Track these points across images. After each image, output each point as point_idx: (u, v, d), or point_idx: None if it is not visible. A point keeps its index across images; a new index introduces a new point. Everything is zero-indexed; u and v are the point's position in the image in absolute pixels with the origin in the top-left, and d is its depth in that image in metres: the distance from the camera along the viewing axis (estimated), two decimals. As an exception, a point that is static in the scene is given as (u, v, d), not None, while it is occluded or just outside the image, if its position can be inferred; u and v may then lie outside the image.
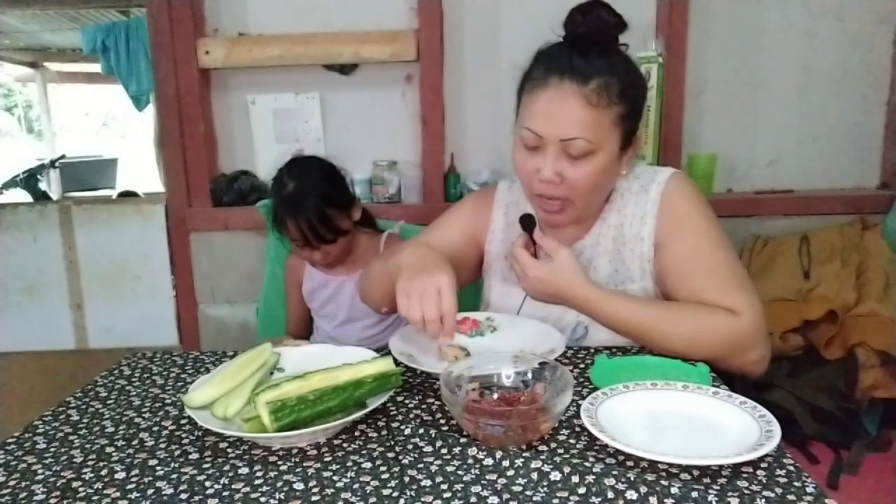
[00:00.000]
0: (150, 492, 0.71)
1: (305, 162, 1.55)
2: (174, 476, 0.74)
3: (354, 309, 1.57)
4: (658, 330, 1.00)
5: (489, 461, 0.74)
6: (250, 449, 0.80)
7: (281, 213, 1.46)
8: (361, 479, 0.72)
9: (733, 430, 0.77)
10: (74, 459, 0.79)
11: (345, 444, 0.80)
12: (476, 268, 1.28)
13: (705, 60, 2.01)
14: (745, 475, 0.69)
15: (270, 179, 2.13)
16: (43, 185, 5.44)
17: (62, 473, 0.76)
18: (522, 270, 1.04)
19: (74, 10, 4.32)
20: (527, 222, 1.06)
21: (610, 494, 0.67)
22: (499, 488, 0.68)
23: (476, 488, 0.69)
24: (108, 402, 0.95)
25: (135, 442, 0.83)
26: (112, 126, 14.04)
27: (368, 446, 0.79)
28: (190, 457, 0.78)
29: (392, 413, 0.87)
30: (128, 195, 5.12)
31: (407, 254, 1.03)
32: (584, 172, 1.01)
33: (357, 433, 0.82)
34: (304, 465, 0.75)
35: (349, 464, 0.75)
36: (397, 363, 0.93)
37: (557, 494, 0.67)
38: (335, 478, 0.72)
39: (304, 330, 1.70)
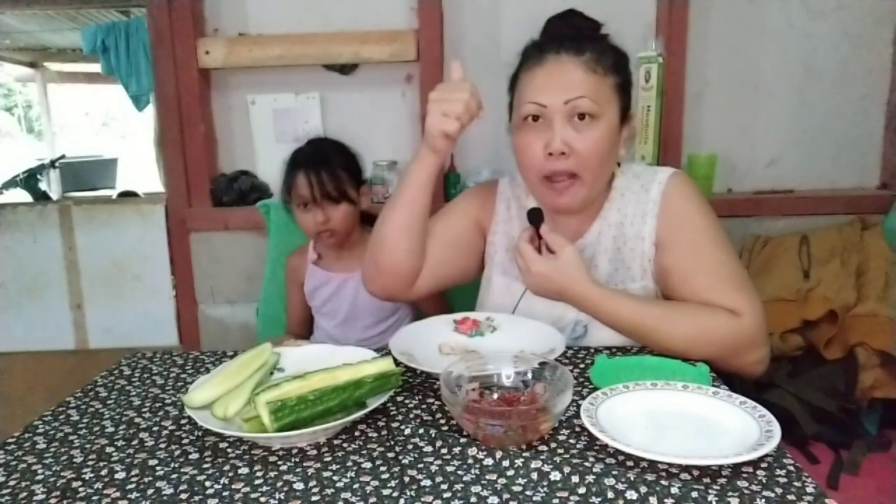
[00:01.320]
0: (150, 492, 0.71)
1: (321, 138, 1.63)
2: (174, 476, 0.74)
3: (355, 307, 1.57)
4: (659, 329, 1.00)
5: (489, 461, 0.74)
6: (250, 449, 0.80)
7: (292, 171, 1.51)
8: (361, 479, 0.72)
9: (733, 430, 0.77)
10: (74, 459, 0.79)
11: (345, 444, 0.80)
12: (479, 255, 1.27)
13: (705, 60, 2.01)
14: (745, 475, 0.69)
15: (270, 180, 2.14)
16: (43, 185, 5.44)
17: (62, 473, 0.76)
18: (526, 265, 1.04)
19: (74, 10, 4.32)
20: (534, 216, 1.06)
21: (610, 494, 0.67)
22: (499, 488, 0.68)
23: (476, 488, 0.69)
24: (108, 402, 0.95)
25: (135, 442, 0.83)
26: (112, 126, 14.03)
27: (368, 446, 0.79)
28: (190, 457, 0.78)
29: (392, 413, 0.87)
30: (128, 195, 5.12)
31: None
32: (592, 139, 1.02)
33: (357, 433, 0.82)
34: (304, 465, 0.75)
35: (349, 464, 0.75)
36: (397, 363, 0.93)
37: (557, 494, 0.67)
38: (335, 478, 0.72)
39: (304, 329, 1.70)
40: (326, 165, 1.48)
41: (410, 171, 1.10)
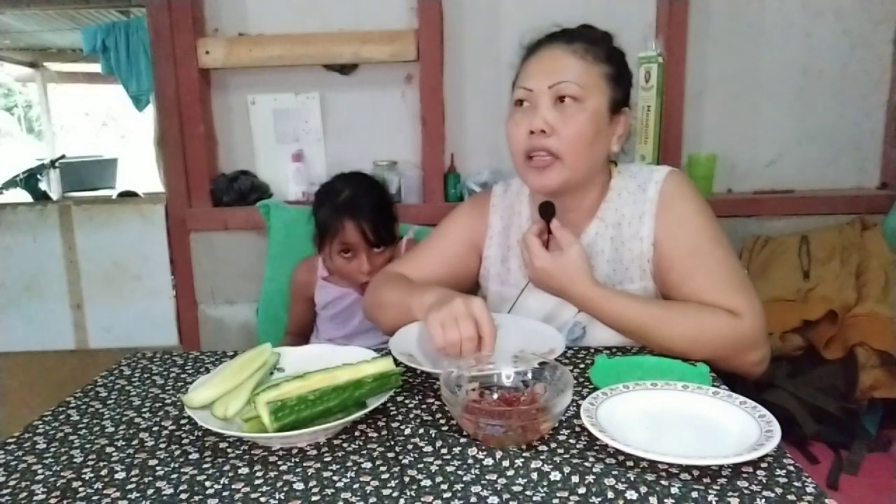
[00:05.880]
0: (150, 492, 0.71)
1: (352, 174, 1.56)
2: (174, 476, 0.74)
3: (366, 323, 1.54)
4: (659, 330, 1.00)
5: (489, 461, 0.74)
6: (250, 449, 0.80)
7: (338, 217, 1.44)
8: (361, 479, 0.72)
9: (733, 430, 0.77)
10: (74, 459, 0.79)
11: (345, 444, 0.80)
12: (474, 275, 1.29)
13: (705, 60, 2.01)
14: (745, 475, 0.69)
15: (270, 180, 2.14)
16: (43, 185, 5.44)
17: (62, 473, 0.76)
18: (530, 259, 1.05)
19: (74, 10, 4.32)
20: (546, 210, 1.06)
21: (610, 494, 0.67)
22: (499, 488, 0.68)
23: (476, 488, 0.69)
24: (108, 402, 0.95)
25: (135, 442, 0.83)
26: (112, 126, 14.03)
27: (368, 446, 0.79)
28: (190, 457, 0.78)
29: (392, 413, 0.87)
30: (128, 195, 5.12)
31: (429, 294, 1.02)
32: (575, 120, 1.04)
33: (357, 433, 0.82)
34: (304, 465, 0.75)
35: (349, 464, 0.75)
36: (397, 363, 0.93)
37: (557, 494, 0.67)
38: (335, 478, 0.72)
39: (304, 334, 1.69)
40: (376, 212, 1.44)
41: (420, 303, 1.04)
